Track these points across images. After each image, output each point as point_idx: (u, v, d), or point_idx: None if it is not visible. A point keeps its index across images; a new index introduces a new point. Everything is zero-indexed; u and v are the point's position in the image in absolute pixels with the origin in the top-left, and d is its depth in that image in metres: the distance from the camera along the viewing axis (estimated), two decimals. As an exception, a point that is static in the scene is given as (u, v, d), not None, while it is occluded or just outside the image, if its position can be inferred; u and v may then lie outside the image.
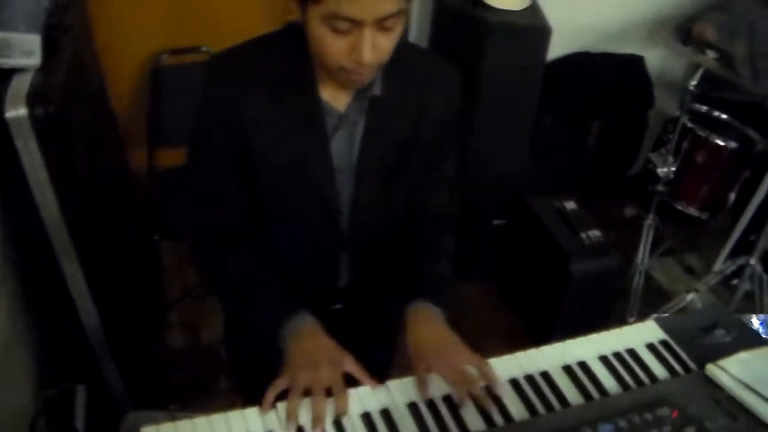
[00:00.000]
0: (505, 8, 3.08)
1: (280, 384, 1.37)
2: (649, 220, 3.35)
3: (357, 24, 1.30)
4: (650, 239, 3.34)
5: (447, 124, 1.65)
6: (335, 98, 1.51)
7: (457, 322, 1.58)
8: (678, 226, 3.69)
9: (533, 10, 3.20)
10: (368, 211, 1.65)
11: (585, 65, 3.78)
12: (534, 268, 3.17)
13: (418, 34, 3.42)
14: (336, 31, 1.31)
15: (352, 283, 1.78)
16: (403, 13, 1.35)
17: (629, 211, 3.76)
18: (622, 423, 1.23)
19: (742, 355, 1.56)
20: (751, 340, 1.64)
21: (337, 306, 1.82)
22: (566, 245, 2.94)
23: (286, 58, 1.48)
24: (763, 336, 1.77)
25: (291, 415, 1.33)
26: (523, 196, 3.24)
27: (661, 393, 1.39)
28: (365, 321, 1.68)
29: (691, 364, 1.55)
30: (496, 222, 3.30)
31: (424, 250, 1.73)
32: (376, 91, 1.51)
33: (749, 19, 3.60)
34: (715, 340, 1.64)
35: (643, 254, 3.32)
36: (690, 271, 3.61)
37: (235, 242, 1.62)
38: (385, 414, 1.36)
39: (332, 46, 1.34)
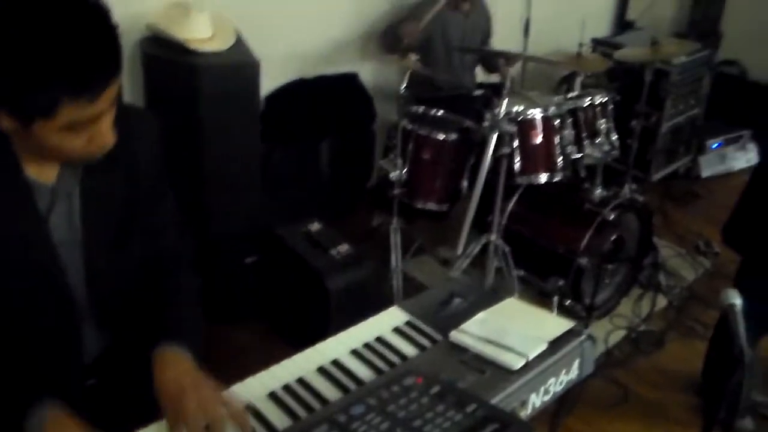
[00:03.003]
0: (211, 50, 3.15)
1: None
2: (394, 225, 3.53)
3: (96, 117, 1.35)
4: (399, 242, 3.53)
5: (156, 168, 1.69)
6: (42, 173, 1.50)
7: (236, 366, 1.62)
8: (425, 223, 3.91)
9: (239, 46, 3.29)
10: (105, 278, 1.64)
11: (302, 91, 3.94)
12: (295, 295, 3.24)
13: (132, 90, 3.40)
14: (75, 131, 1.34)
15: (102, 355, 1.75)
16: None
17: (376, 221, 3.94)
18: (372, 400, 1.32)
19: (479, 316, 1.73)
20: (485, 300, 1.82)
21: (90, 381, 1.77)
22: (318, 265, 3.05)
23: None
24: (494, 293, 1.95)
25: None
26: (268, 228, 3.31)
27: (410, 368, 1.50)
28: (127, 392, 1.66)
29: (437, 336, 1.69)
30: (248, 260, 3.34)
31: (164, 296, 1.74)
32: None
33: (440, 20, 3.94)
34: (454, 309, 1.80)
35: (396, 258, 3.49)
36: (445, 262, 3.84)
37: None
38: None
39: (72, 144, 1.37)
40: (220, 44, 3.22)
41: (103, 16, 1.34)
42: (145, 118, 1.71)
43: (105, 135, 1.39)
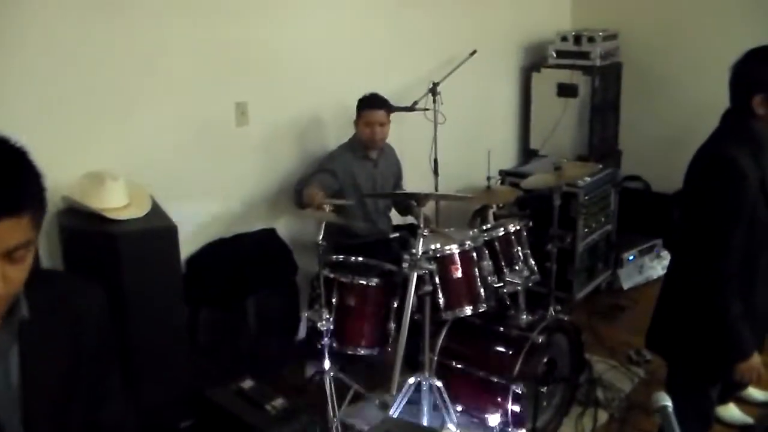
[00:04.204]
0: (128, 217, 3.24)
1: None
2: (327, 374, 3.56)
3: None
4: (334, 391, 3.54)
5: (101, 340, 1.71)
6: None
7: None
8: (359, 368, 3.95)
9: (155, 212, 3.40)
10: None
11: (222, 251, 4.04)
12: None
13: (50, 261, 3.42)
14: None
15: None
16: (33, 242, 1.41)
17: (309, 372, 3.96)
18: None
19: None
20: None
21: None
22: (254, 422, 3.04)
23: None
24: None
25: None
26: (201, 390, 3.31)
27: None
28: None
29: (375, 476, 1.73)
30: (183, 424, 3.32)
31: None
32: (24, 313, 1.52)
33: (350, 170, 4.13)
34: (391, 447, 1.84)
35: (332, 407, 3.51)
36: (383, 406, 3.84)
37: None
38: None
39: None
40: (137, 211, 3.32)
41: (16, 157, 1.42)
42: (91, 290, 1.73)
43: None
